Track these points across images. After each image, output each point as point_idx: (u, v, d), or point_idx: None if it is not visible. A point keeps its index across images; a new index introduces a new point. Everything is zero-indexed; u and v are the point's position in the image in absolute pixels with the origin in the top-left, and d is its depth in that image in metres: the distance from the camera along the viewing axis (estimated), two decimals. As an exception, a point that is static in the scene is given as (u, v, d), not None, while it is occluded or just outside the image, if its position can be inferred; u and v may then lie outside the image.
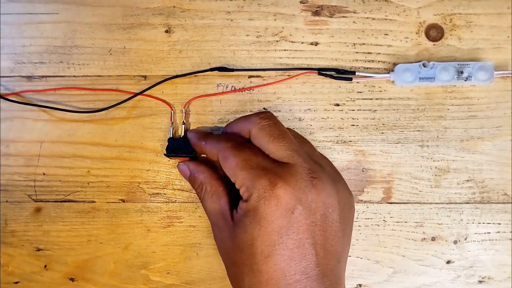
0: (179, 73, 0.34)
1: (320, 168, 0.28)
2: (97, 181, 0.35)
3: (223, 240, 0.28)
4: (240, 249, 0.27)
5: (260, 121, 0.29)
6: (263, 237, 0.26)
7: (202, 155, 0.34)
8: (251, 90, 0.34)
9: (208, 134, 0.32)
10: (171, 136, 0.34)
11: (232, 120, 0.32)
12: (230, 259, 0.28)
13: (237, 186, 0.27)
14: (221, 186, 0.30)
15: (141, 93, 0.34)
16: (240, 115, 0.34)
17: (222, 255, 0.29)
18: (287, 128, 0.31)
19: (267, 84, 0.34)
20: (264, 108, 0.34)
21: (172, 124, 0.34)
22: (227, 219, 0.28)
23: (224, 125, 0.34)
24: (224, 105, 0.34)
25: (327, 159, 0.32)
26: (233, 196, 0.30)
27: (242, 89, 0.34)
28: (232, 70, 0.34)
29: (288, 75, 0.34)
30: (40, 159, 0.35)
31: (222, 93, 0.34)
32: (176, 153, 0.33)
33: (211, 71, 0.34)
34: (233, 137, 0.29)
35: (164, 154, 0.33)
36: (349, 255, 0.34)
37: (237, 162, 0.27)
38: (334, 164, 0.34)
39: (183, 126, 0.34)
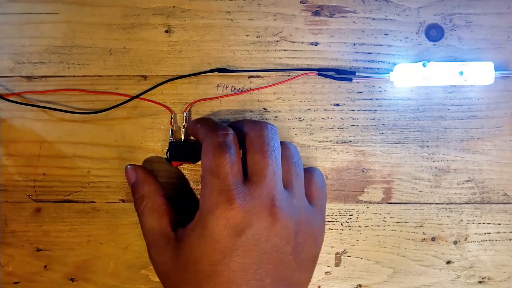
0: (179, 73, 0.34)
1: (289, 197, 0.27)
2: (97, 181, 0.35)
3: (164, 262, 0.27)
4: (184, 268, 0.26)
5: (261, 129, 0.28)
6: (208, 255, 0.25)
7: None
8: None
9: (206, 119, 0.31)
10: (172, 140, 0.34)
11: (241, 119, 0.32)
12: (171, 281, 0.27)
13: (201, 186, 0.27)
14: (164, 205, 0.29)
15: (138, 96, 0.34)
16: (240, 115, 0.34)
17: (161, 277, 0.28)
18: (286, 143, 0.30)
19: (267, 86, 0.34)
20: (264, 108, 0.34)
21: (172, 127, 0.34)
22: (169, 239, 0.27)
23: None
24: (224, 105, 0.34)
25: (313, 185, 0.30)
26: (177, 216, 0.29)
27: (242, 92, 0.34)
28: (232, 71, 0.34)
29: (288, 75, 0.34)
30: (40, 159, 0.35)
31: (222, 96, 0.34)
32: (178, 158, 0.33)
33: (210, 72, 0.34)
34: (225, 133, 0.28)
35: (166, 159, 0.33)
36: (349, 255, 0.34)
37: (211, 165, 0.26)
38: (334, 165, 0.34)
39: (184, 130, 0.34)
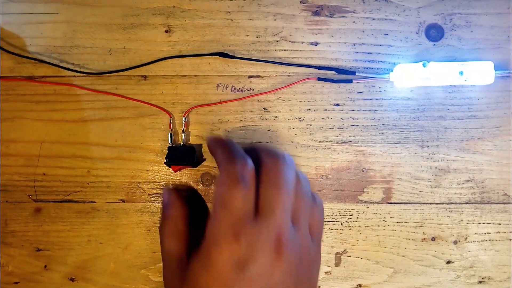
0: (179, 73, 0.34)
1: (295, 233, 0.27)
2: (97, 181, 0.35)
3: (173, 283, 0.27)
4: None
5: (278, 161, 0.27)
6: (210, 286, 0.25)
7: (202, 163, 0.34)
8: (251, 89, 0.34)
9: (226, 142, 0.30)
10: (171, 144, 0.34)
11: (259, 144, 0.31)
12: None
13: (209, 214, 0.27)
14: (184, 231, 0.29)
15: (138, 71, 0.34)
16: (240, 115, 0.34)
17: None
18: (299, 174, 0.30)
19: (267, 92, 0.34)
20: (264, 108, 0.34)
21: (171, 131, 0.34)
22: (181, 263, 0.28)
23: (223, 125, 0.34)
24: (225, 105, 0.34)
25: (315, 221, 0.29)
26: (196, 242, 0.29)
27: (241, 99, 0.34)
28: (233, 57, 0.34)
29: (288, 75, 0.34)
30: (40, 159, 0.35)
31: (220, 102, 0.34)
32: (177, 162, 0.33)
33: (212, 55, 0.34)
34: (244, 164, 0.27)
35: (165, 163, 0.33)
36: (349, 255, 0.34)
37: (224, 196, 0.26)
38: (334, 164, 0.34)
39: (183, 134, 0.34)
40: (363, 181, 0.34)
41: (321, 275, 0.35)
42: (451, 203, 0.34)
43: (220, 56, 0.34)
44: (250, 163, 0.28)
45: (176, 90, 0.34)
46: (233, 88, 0.34)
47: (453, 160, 0.34)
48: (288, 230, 0.27)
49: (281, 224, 0.26)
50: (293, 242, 0.27)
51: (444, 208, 0.34)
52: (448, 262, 0.34)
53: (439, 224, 0.34)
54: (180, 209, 0.31)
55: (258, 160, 0.29)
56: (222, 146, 0.29)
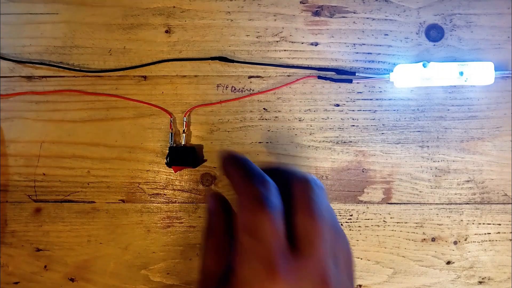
0: (179, 74, 0.34)
1: (337, 273, 0.23)
2: (97, 181, 0.35)
3: None
4: None
5: (308, 185, 0.23)
6: None
7: (202, 164, 0.34)
8: (251, 90, 0.34)
9: (240, 161, 0.25)
10: (172, 144, 0.34)
11: (278, 164, 0.28)
12: None
13: (234, 247, 0.22)
14: (226, 247, 0.24)
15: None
16: (240, 115, 0.34)
17: None
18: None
19: (266, 91, 0.34)
20: (264, 109, 0.34)
21: (172, 131, 0.34)
22: (218, 285, 0.23)
23: (223, 125, 0.34)
24: (225, 105, 0.34)
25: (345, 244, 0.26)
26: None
27: (241, 97, 0.34)
28: (232, 61, 0.34)
29: (288, 75, 0.34)
30: (40, 159, 0.35)
31: (220, 102, 0.34)
32: (178, 163, 0.33)
33: (211, 59, 0.34)
34: (264, 183, 0.23)
35: (166, 163, 0.33)
36: (349, 255, 0.34)
37: (247, 223, 0.22)
38: (334, 165, 0.34)
39: (184, 135, 0.34)
40: (363, 182, 0.34)
41: (321, 276, 0.35)
42: (451, 204, 0.34)
43: (219, 60, 0.34)
44: (273, 183, 0.23)
45: (176, 90, 0.34)
46: (233, 88, 0.34)
47: (453, 161, 0.34)
48: (331, 269, 0.22)
49: (324, 262, 0.22)
50: (337, 283, 0.23)
51: (444, 208, 0.34)
52: (448, 263, 0.34)
53: (439, 225, 0.34)
54: (223, 221, 0.25)
55: (283, 182, 0.24)
56: (238, 165, 0.24)
